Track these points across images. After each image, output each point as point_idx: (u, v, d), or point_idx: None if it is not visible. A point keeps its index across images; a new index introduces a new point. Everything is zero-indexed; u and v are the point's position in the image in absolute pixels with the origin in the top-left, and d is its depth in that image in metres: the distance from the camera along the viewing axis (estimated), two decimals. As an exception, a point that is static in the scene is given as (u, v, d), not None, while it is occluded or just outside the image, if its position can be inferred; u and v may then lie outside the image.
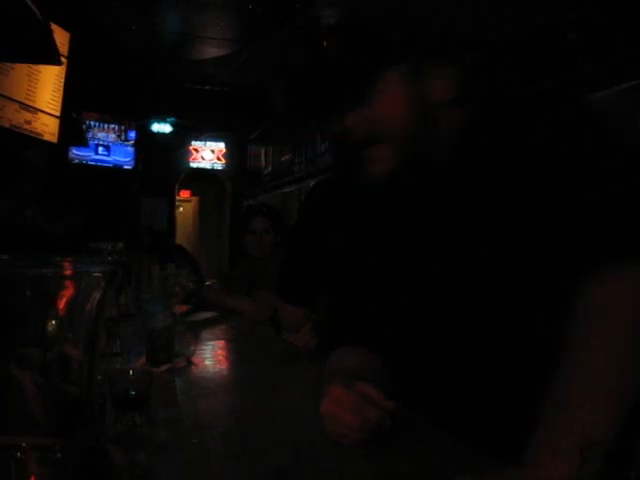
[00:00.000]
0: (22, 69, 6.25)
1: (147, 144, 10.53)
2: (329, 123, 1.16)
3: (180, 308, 2.97)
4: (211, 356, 2.11)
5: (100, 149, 10.03)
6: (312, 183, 2.68)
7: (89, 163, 9.91)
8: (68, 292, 0.58)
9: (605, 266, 0.94)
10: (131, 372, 1.27)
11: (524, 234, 1.08)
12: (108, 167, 10.14)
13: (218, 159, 11.79)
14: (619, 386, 0.90)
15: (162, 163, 10.91)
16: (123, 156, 10.35)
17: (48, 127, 6.91)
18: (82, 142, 9.51)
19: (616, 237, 0.95)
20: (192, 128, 11.13)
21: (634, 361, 0.91)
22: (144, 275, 2.68)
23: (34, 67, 6.39)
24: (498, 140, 1.08)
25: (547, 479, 0.87)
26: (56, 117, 7.02)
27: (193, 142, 11.60)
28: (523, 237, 1.08)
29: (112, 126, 10.19)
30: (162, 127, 10.84)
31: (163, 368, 1.74)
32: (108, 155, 10.16)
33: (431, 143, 1.17)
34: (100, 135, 10.05)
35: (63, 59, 6.42)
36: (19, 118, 6.39)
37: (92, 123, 9.92)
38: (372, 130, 1.12)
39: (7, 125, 6.16)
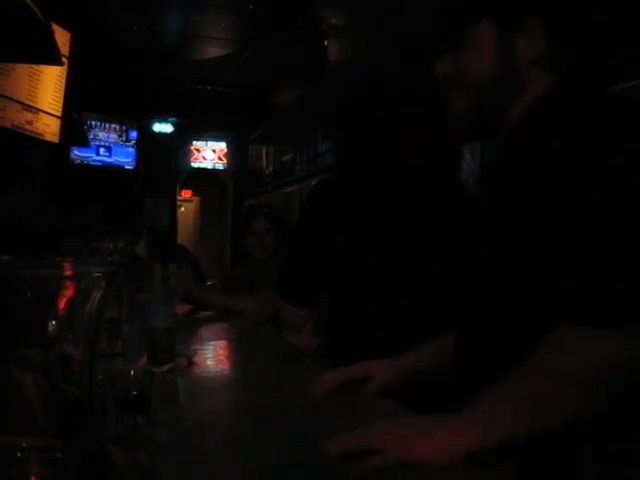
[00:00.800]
0: (23, 69, 6.24)
1: (148, 144, 10.53)
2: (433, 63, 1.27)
3: (182, 308, 2.98)
4: (212, 356, 2.11)
5: (101, 150, 10.03)
6: (313, 183, 2.68)
7: (90, 163, 9.91)
8: (68, 292, 0.58)
9: (581, 321, 0.97)
10: (132, 372, 1.27)
11: (528, 239, 1.08)
12: (109, 167, 10.14)
13: (219, 159, 11.79)
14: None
15: (163, 163, 10.91)
16: (124, 157, 10.35)
17: (49, 127, 6.90)
18: (83, 142, 9.51)
19: (602, 302, 0.95)
20: (193, 128, 11.13)
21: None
22: (147, 274, 2.68)
23: (35, 67, 6.39)
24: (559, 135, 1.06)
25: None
26: (57, 117, 7.01)
27: (194, 142, 11.60)
28: (528, 242, 1.08)
29: (113, 126, 10.18)
30: (163, 127, 10.84)
31: (164, 368, 1.74)
32: (109, 156, 10.15)
33: (505, 98, 1.20)
34: (101, 135, 10.04)
35: (64, 59, 6.41)
36: (20, 118, 6.39)
37: (93, 123, 9.92)
38: (458, 73, 1.22)
39: (8, 125, 6.16)
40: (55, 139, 7.03)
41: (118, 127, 10.25)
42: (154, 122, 10.73)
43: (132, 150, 10.43)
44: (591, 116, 1.04)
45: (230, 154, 11.81)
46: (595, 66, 1.26)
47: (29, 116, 6.52)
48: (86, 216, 5.10)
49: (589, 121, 1.03)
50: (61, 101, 7.04)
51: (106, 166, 10.12)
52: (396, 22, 5.26)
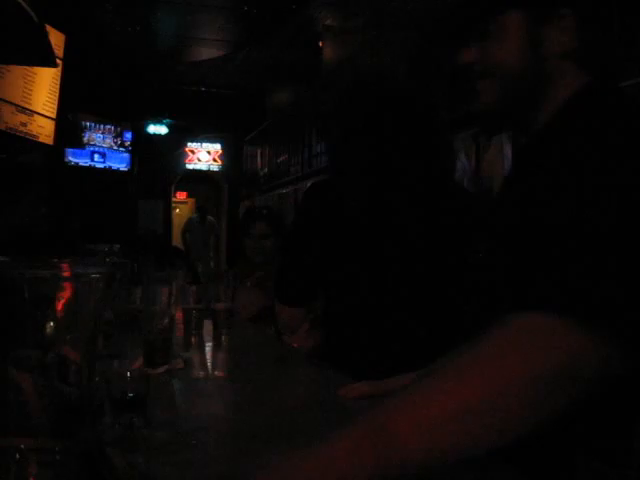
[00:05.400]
0: (18, 71, 6.25)
1: (143, 146, 10.53)
2: (456, 53, 1.23)
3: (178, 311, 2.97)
4: (209, 357, 2.11)
5: (96, 156, 10.01)
6: (308, 184, 2.69)
7: (85, 166, 9.90)
8: (66, 293, 0.58)
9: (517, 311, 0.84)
10: (128, 374, 1.26)
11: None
12: (104, 169, 10.13)
13: (214, 160, 11.79)
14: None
15: (158, 165, 10.91)
16: (118, 162, 10.34)
17: (44, 129, 6.91)
18: (78, 144, 9.50)
19: (538, 289, 0.85)
20: (188, 129, 11.13)
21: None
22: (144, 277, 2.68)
23: (30, 69, 6.39)
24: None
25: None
26: (52, 119, 7.02)
27: (189, 143, 11.60)
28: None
29: (108, 127, 10.17)
30: (158, 129, 10.85)
31: (161, 369, 1.73)
32: (104, 162, 10.14)
33: (532, 93, 1.16)
34: (96, 137, 10.02)
35: (58, 61, 6.42)
36: (15, 120, 6.39)
37: (88, 124, 9.90)
38: (485, 65, 1.18)
39: (3, 127, 6.16)
40: (49, 141, 7.03)
41: (113, 128, 10.24)
42: (149, 124, 10.73)
43: (126, 156, 10.42)
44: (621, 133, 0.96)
45: (225, 155, 11.81)
46: (619, 63, 1.20)
47: (23, 118, 6.53)
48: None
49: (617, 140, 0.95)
50: (56, 103, 7.04)
51: (101, 167, 10.11)
52: (390, 23, 5.27)
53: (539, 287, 0.85)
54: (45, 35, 2.76)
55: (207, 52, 8.84)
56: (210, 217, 11.55)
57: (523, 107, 1.18)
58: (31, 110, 6.61)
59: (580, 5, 1.11)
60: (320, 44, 7.15)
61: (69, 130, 8.39)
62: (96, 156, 10.01)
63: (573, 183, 0.92)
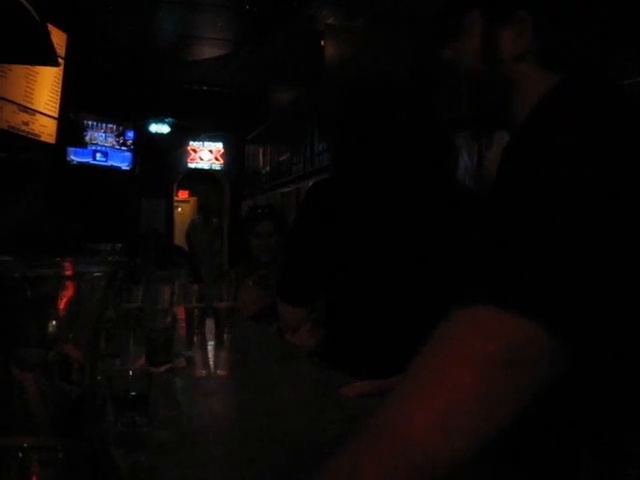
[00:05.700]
0: (20, 70, 6.26)
1: (145, 145, 10.52)
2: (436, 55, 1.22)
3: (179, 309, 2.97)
4: (211, 356, 2.11)
5: (98, 155, 9.99)
6: (310, 183, 2.70)
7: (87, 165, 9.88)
8: (68, 292, 0.58)
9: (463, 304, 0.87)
10: (131, 372, 1.27)
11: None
12: (107, 168, 10.11)
13: (216, 159, 11.78)
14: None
15: (160, 164, 10.90)
16: (120, 161, 10.32)
17: (46, 128, 6.91)
18: (80, 143, 9.50)
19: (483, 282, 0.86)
20: (190, 128, 11.13)
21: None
22: (143, 276, 2.68)
23: (32, 68, 6.40)
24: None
25: None
26: (54, 118, 7.02)
27: (191, 142, 11.58)
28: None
29: (110, 126, 10.14)
30: (160, 128, 10.84)
31: (163, 368, 1.73)
32: (106, 161, 10.12)
33: (495, 95, 1.15)
34: (98, 136, 9.99)
35: (60, 60, 6.42)
36: (17, 120, 6.39)
37: (90, 123, 9.88)
38: (456, 66, 1.18)
39: (5, 127, 6.16)
40: (52, 140, 7.04)
41: (115, 127, 10.22)
42: (151, 123, 10.73)
43: (128, 155, 10.39)
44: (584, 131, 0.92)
45: (227, 154, 11.81)
46: (601, 63, 1.16)
47: (25, 117, 6.54)
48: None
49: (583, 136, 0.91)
50: (57, 102, 7.04)
51: (103, 166, 10.10)
52: (392, 23, 5.27)
53: (479, 281, 0.87)
54: (47, 34, 2.76)
55: (209, 51, 8.84)
56: (214, 219, 11.43)
57: (493, 109, 1.17)
58: (33, 109, 6.62)
59: (539, 7, 1.08)
60: (322, 43, 7.14)
61: (71, 129, 8.39)
62: (98, 155, 9.99)
63: (523, 182, 0.92)
